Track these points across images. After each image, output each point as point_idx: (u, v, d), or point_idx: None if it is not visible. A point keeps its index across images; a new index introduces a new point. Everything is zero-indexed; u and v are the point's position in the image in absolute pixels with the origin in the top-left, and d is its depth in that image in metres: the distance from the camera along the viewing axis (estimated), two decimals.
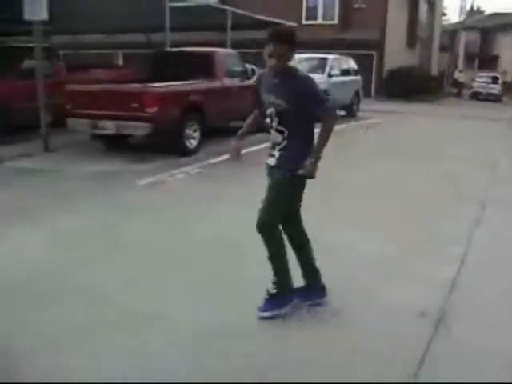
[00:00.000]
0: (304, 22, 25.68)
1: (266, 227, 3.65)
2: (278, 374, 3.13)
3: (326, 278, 3.97)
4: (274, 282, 3.78)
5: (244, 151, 4.03)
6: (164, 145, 9.69)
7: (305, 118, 3.57)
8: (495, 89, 32.35)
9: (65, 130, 10.01)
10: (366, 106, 18.56)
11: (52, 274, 4.43)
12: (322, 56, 16.70)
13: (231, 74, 11.36)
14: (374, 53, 26.55)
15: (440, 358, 3.31)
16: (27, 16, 9.61)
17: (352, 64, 17.93)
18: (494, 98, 31.26)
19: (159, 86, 9.31)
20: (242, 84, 11.34)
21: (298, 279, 3.89)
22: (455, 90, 34.89)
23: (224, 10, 14.95)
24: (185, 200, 6.82)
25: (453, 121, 17.94)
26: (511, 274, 4.76)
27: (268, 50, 3.45)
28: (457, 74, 36.74)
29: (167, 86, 9.48)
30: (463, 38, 45.79)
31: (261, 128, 3.96)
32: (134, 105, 8.85)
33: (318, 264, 3.94)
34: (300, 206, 3.84)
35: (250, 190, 6.74)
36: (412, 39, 30.85)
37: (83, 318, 3.69)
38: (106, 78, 12.32)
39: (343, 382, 3.05)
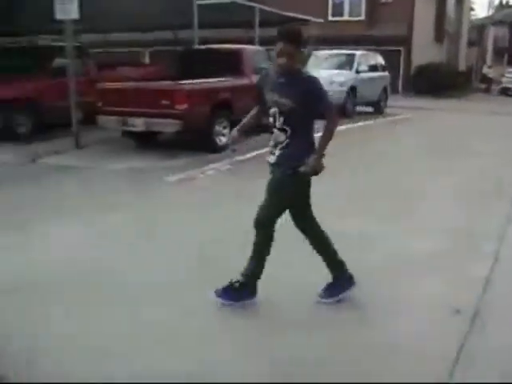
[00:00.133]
0: (330, 18, 25.57)
1: (263, 225, 3.73)
2: (304, 372, 3.15)
3: (358, 272, 3.99)
4: (243, 274, 3.84)
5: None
6: (194, 141, 9.77)
7: (308, 117, 3.67)
8: None
9: (95, 127, 10.16)
10: (393, 102, 18.43)
11: (96, 270, 4.49)
12: (349, 52, 16.65)
13: (259, 71, 11.36)
14: (401, 48, 26.33)
15: (475, 356, 3.30)
16: (59, 15, 9.75)
17: (380, 60, 17.81)
18: None
19: (189, 83, 9.39)
20: None
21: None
22: (484, 86, 34.39)
23: (251, 7, 14.97)
24: (216, 197, 6.87)
25: (481, 117, 17.70)
26: None
27: (278, 48, 3.53)
28: (485, 70, 36.25)
29: (197, 83, 9.56)
30: (492, 32, 45.00)
31: (264, 128, 4.01)
32: (164, 102, 8.95)
33: (350, 258, 3.97)
34: (309, 201, 3.87)
35: None
36: (440, 34, 30.50)
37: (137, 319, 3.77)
38: (135, 75, 12.44)
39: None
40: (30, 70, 11.55)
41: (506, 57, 48.34)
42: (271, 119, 3.73)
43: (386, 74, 18.00)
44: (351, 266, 3.98)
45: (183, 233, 5.39)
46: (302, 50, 3.61)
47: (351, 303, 3.94)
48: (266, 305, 3.91)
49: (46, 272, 4.43)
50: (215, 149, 9.56)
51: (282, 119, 3.65)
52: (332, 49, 17.71)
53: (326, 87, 13.61)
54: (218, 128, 9.70)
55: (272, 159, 3.76)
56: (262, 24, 15.08)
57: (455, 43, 36.42)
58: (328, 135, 3.67)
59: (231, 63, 10.81)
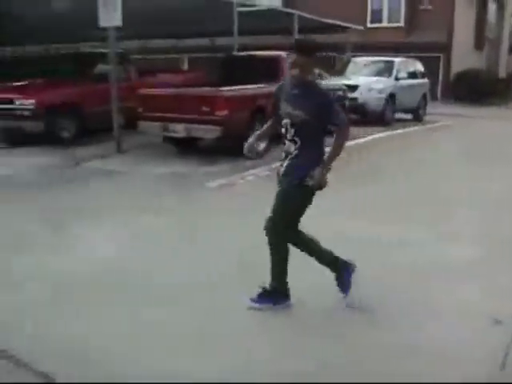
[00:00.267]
0: (369, 25, 25.43)
1: (271, 234, 3.81)
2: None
3: (403, 277, 3.97)
4: (270, 284, 3.92)
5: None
6: (233, 147, 9.82)
7: (319, 130, 3.72)
8: None
9: (134, 132, 10.32)
10: (432, 109, 18.22)
11: (137, 272, 4.58)
12: (388, 59, 16.52)
13: None
14: (440, 55, 26.03)
15: None
16: (102, 23, 9.95)
17: (419, 67, 17.63)
18: None
19: (229, 89, 9.47)
20: None
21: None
22: None
23: (290, 14, 15.03)
24: (255, 202, 6.83)
25: None
26: None
27: (292, 59, 3.65)
28: None
29: (237, 89, 9.63)
30: None
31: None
32: (205, 108, 9.05)
33: (389, 263, 3.96)
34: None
35: (321, 196, 6.79)
36: (480, 40, 30.06)
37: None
38: (175, 81, 12.59)
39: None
40: (73, 75, 11.84)
41: None
42: (283, 130, 3.78)
43: (426, 80, 17.81)
44: (390, 272, 3.96)
45: (224, 238, 5.44)
46: (314, 63, 3.70)
47: (397, 308, 3.93)
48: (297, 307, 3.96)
49: (88, 272, 4.54)
50: (255, 155, 9.58)
51: (292, 130, 3.70)
52: (370, 55, 17.61)
53: (364, 94, 13.60)
54: None
55: (281, 171, 3.82)
56: (301, 31, 15.12)
57: (495, 49, 35.82)
58: (337, 149, 3.71)
59: (270, 69, 10.83)
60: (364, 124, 14.04)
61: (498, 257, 5.03)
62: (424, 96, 17.39)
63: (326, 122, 3.70)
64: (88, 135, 11.16)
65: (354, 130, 12.88)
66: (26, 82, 12.49)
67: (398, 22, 26.15)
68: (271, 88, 10.36)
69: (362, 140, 11.92)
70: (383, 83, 15.07)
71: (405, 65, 16.59)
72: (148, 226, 5.84)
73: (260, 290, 3.95)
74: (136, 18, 12.32)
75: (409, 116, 16.89)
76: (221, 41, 19.53)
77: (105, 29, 10.06)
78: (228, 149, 9.95)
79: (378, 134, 12.94)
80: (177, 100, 9.60)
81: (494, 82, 28.43)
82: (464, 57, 26.55)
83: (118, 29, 10.07)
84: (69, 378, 3.08)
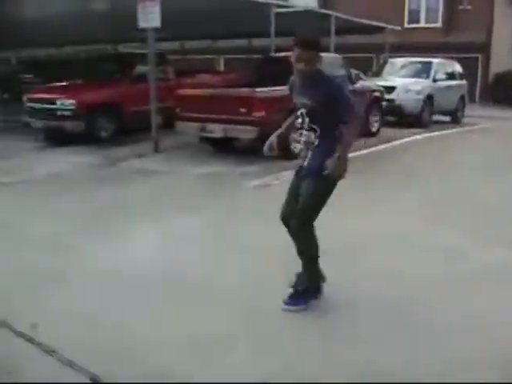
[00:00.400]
0: (406, 25, 25.21)
1: (297, 228, 3.80)
2: None
3: (439, 284, 3.93)
4: (299, 279, 3.91)
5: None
6: None
7: (333, 118, 3.68)
8: None
9: (171, 131, 10.44)
10: (470, 111, 17.94)
11: (175, 270, 4.64)
12: (426, 60, 16.32)
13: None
14: (479, 56, 25.65)
15: None
16: (141, 24, 10.11)
17: (457, 68, 17.38)
18: None
19: (266, 90, 9.49)
20: None
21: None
22: None
23: (327, 15, 15.00)
24: None
25: None
26: None
27: (295, 55, 3.64)
28: None
29: (273, 90, 9.64)
30: None
31: None
32: (242, 109, 9.10)
33: (434, 270, 3.91)
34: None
35: (362, 198, 6.80)
36: None
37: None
38: (213, 82, 12.69)
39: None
40: (113, 76, 12.04)
41: None
42: (300, 120, 3.81)
43: (464, 82, 17.54)
44: (433, 278, 3.92)
45: (261, 237, 5.46)
46: (320, 55, 3.69)
47: (447, 312, 3.90)
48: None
49: (127, 270, 4.61)
50: (290, 156, 9.60)
51: (307, 119, 3.73)
52: (408, 56, 17.44)
53: (401, 95, 13.41)
54: (293, 135, 9.74)
55: (305, 163, 3.83)
56: (338, 32, 15.09)
57: None
58: (349, 136, 3.67)
59: None
60: (401, 126, 13.94)
61: None
62: (462, 98, 17.15)
63: (335, 111, 3.63)
64: (125, 135, 11.33)
65: (390, 132, 12.91)
66: (67, 83, 12.76)
67: (436, 22, 25.85)
68: None
69: (397, 142, 11.83)
70: (421, 84, 14.90)
71: (443, 66, 16.37)
72: (190, 225, 5.89)
73: (291, 291, 3.93)
74: (174, 19, 12.48)
75: (447, 118, 16.68)
76: (257, 42, 19.61)
77: (144, 30, 10.21)
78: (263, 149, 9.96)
79: (416, 136, 12.82)
80: (214, 101, 9.66)
81: None
82: (503, 58, 26.05)
83: (156, 30, 10.20)
84: (115, 379, 3.11)
